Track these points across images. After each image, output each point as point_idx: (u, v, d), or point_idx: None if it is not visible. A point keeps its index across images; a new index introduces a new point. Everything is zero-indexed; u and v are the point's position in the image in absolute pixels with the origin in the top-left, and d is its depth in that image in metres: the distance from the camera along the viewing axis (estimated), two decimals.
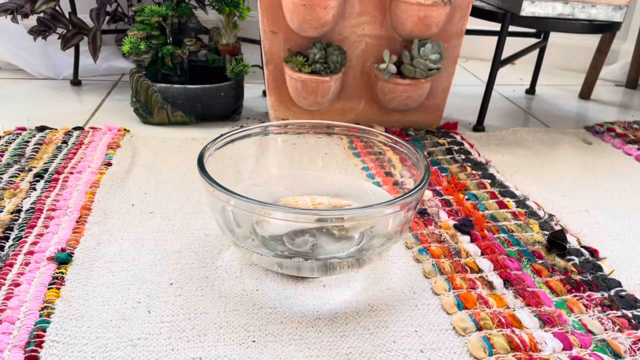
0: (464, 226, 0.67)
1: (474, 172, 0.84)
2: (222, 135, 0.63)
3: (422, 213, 0.71)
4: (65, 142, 0.87)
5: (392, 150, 0.67)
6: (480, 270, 0.60)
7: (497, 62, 1.00)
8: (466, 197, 0.76)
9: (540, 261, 0.62)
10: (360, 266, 0.56)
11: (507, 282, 0.58)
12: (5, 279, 0.53)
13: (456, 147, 0.92)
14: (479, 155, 0.90)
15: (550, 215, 0.72)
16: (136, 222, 0.67)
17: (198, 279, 0.57)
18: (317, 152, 0.72)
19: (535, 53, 1.23)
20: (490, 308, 0.54)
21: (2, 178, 0.74)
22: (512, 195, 0.77)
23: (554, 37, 1.33)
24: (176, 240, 0.63)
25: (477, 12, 1.02)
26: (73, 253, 0.59)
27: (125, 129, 0.93)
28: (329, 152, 0.72)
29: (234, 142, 0.65)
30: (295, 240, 0.58)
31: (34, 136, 0.88)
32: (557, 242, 0.64)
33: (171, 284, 0.56)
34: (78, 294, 0.53)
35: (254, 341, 0.49)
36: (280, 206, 0.51)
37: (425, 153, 0.90)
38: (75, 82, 1.21)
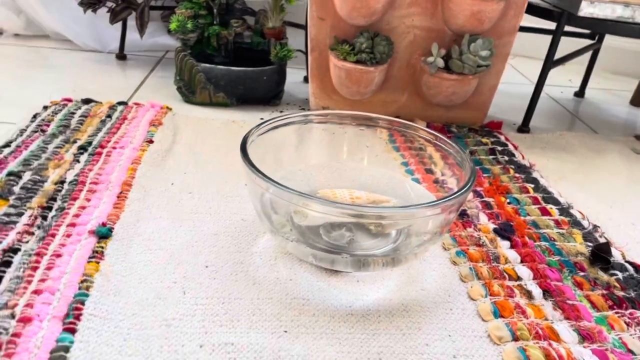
0: (504, 231, 0.66)
1: (517, 175, 0.81)
2: (264, 121, 0.63)
3: (462, 214, 0.69)
4: (109, 116, 0.88)
5: (435, 147, 0.66)
6: (519, 278, 0.58)
7: (549, 63, 0.96)
8: (507, 200, 0.74)
9: (582, 273, 0.60)
10: (395, 265, 0.55)
11: (547, 292, 0.56)
12: (47, 249, 0.54)
13: (499, 148, 0.90)
14: (523, 157, 0.88)
15: (595, 227, 0.69)
16: (175, 201, 0.67)
17: (233, 263, 0.57)
18: (356, 144, 0.71)
19: (586, 54, 1.18)
20: (527, 318, 0.52)
21: (47, 148, 0.76)
22: (556, 202, 0.75)
23: (608, 40, 1.28)
24: (213, 223, 0.64)
25: (532, 10, 0.99)
26: (113, 228, 0.60)
27: (167, 107, 0.94)
28: (369, 145, 0.71)
29: (277, 129, 0.64)
30: (332, 234, 0.58)
31: (79, 108, 0.89)
32: (600, 255, 0.62)
33: (206, 267, 0.56)
34: (116, 270, 0.54)
35: (286, 331, 0.49)
36: (319, 199, 0.50)
37: (468, 152, 0.88)
38: (121, 56, 1.22)
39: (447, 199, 0.50)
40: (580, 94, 1.28)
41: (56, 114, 0.87)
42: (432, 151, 0.71)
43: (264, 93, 1.01)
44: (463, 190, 0.51)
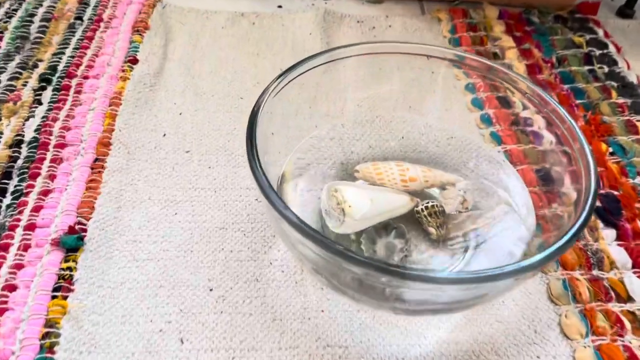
0: (609, 213, 0.49)
1: (620, 99, 0.61)
2: (280, 75, 0.43)
3: (546, 179, 0.52)
4: (79, 17, 0.67)
5: (537, 109, 0.46)
6: (629, 299, 0.43)
7: None
8: (610, 149, 0.55)
9: None
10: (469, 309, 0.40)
11: None
12: None
13: (597, 52, 0.67)
14: (629, 67, 0.65)
15: None
16: (168, 168, 0.51)
17: (246, 281, 0.43)
18: (408, 86, 0.51)
19: None
20: None
21: (0, 80, 0.58)
22: None
23: None
24: (218, 207, 0.48)
25: None
26: (86, 231, 0.45)
27: None
28: (427, 89, 0.51)
29: (300, 76, 0.45)
30: (377, 245, 0.42)
31: (41, 5, 0.68)
32: None
33: (211, 290, 0.42)
34: (91, 304, 0.41)
35: None
36: (353, 255, 0.31)
37: (554, 60, 0.66)
38: None
39: (544, 256, 0.32)
40: None
41: (11, 17, 0.66)
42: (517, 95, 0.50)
43: None
44: (569, 237, 0.33)
